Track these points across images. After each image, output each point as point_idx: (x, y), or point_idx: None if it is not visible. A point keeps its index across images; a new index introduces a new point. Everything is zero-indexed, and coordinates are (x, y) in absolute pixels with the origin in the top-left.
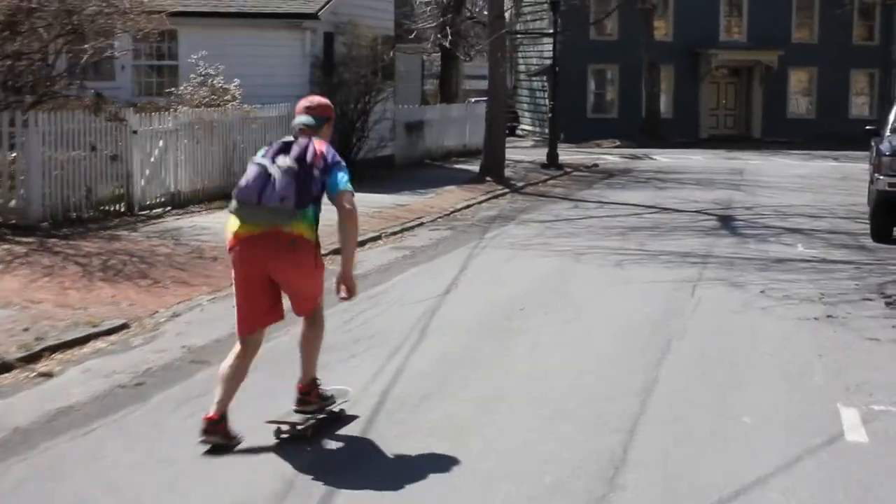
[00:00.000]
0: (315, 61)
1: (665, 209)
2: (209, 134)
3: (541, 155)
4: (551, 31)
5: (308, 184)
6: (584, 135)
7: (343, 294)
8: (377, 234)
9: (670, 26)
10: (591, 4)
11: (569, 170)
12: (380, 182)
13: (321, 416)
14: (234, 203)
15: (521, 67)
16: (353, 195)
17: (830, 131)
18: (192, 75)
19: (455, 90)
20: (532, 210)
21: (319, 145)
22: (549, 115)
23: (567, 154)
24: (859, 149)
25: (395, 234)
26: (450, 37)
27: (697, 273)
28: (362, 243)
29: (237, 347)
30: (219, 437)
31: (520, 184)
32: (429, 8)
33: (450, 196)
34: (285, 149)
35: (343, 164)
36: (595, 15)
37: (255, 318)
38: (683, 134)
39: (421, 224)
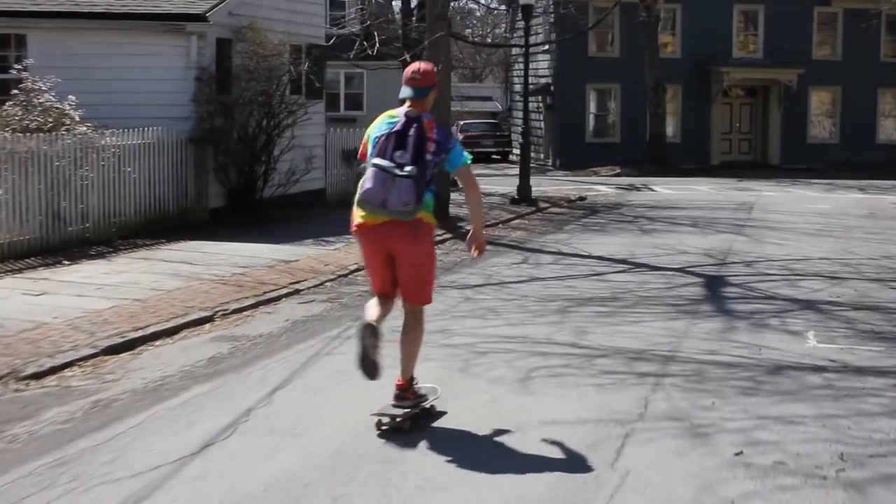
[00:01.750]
0: (202, 74)
1: (638, 266)
2: (22, 168)
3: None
4: (516, 44)
5: (426, 179)
6: (582, 161)
7: (474, 252)
8: (209, 313)
9: (678, 41)
10: (588, 17)
11: (545, 205)
12: (283, 225)
13: (416, 410)
14: (357, 199)
15: (517, 87)
16: (470, 167)
17: (855, 158)
18: (15, 91)
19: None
20: (464, 266)
21: (429, 126)
22: (521, 141)
23: (556, 183)
24: (888, 177)
25: (239, 311)
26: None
27: (642, 402)
28: (173, 331)
29: (372, 301)
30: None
31: (469, 226)
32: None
33: None
34: (400, 142)
35: (455, 138)
36: (594, 28)
37: (384, 285)
38: (692, 160)
39: (294, 293)
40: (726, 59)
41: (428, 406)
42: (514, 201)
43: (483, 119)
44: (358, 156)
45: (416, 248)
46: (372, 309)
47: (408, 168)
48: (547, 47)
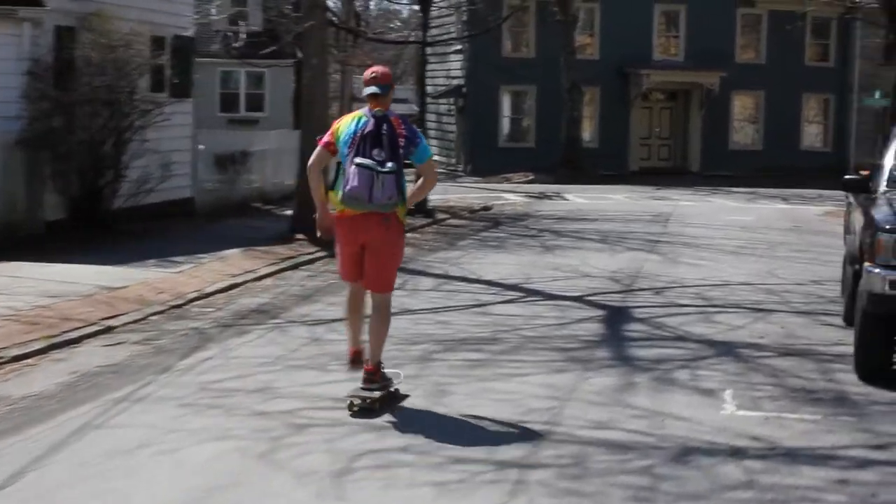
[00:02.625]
0: (35, 67)
1: (532, 293)
2: None
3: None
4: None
5: (402, 171)
6: (495, 166)
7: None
8: None
9: (597, 42)
10: (502, 14)
11: (443, 217)
12: (132, 241)
13: (384, 392)
14: (342, 196)
15: (429, 89)
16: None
17: (779, 164)
18: None
19: (342, 110)
20: (326, 292)
21: (396, 122)
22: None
23: (464, 191)
24: (812, 184)
25: (20, 358)
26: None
27: None
28: None
29: (348, 291)
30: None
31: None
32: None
33: (217, 267)
34: (376, 140)
35: (419, 131)
36: (508, 27)
37: (354, 273)
38: (610, 166)
39: (104, 331)
40: (646, 62)
41: (393, 390)
42: (408, 212)
43: None
44: (319, 142)
45: (387, 235)
46: (353, 320)
47: (389, 164)
48: (459, 46)
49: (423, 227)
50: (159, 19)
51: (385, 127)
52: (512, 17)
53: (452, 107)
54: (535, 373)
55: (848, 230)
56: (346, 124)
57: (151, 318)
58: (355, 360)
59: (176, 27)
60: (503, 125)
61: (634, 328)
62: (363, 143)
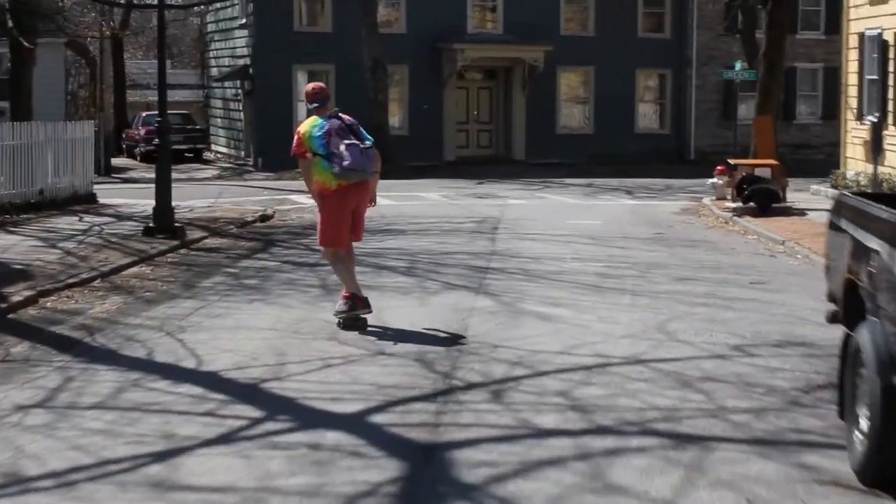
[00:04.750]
0: None
1: (274, 408)
2: None
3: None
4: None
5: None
6: (289, 160)
7: (373, 204)
8: None
9: (403, 14)
10: None
11: (199, 235)
12: None
13: (349, 313)
14: (339, 170)
15: (214, 71)
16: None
17: (612, 150)
18: None
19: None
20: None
21: (345, 117)
22: (159, 141)
23: (247, 192)
24: (649, 172)
25: None
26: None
27: None
28: None
29: (335, 258)
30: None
31: (22, 295)
32: None
33: None
34: (349, 129)
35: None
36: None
37: (345, 239)
38: (422, 156)
39: None
40: (461, 35)
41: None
42: (147, 231)
43: (172, 110)
44: (293, 153)
45: (367, 199)
46: (352, 276)
47: (367, 142)
48: (244, 20)
49: (161, 254)
50: None
51: (344, 120)
52: None
53: (239, 91)
54: None
55: (846, 269)
56: (308, 129)
57: None
58: (364, 303)
59: None
60: (298, 111)
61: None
62: (339, 134)
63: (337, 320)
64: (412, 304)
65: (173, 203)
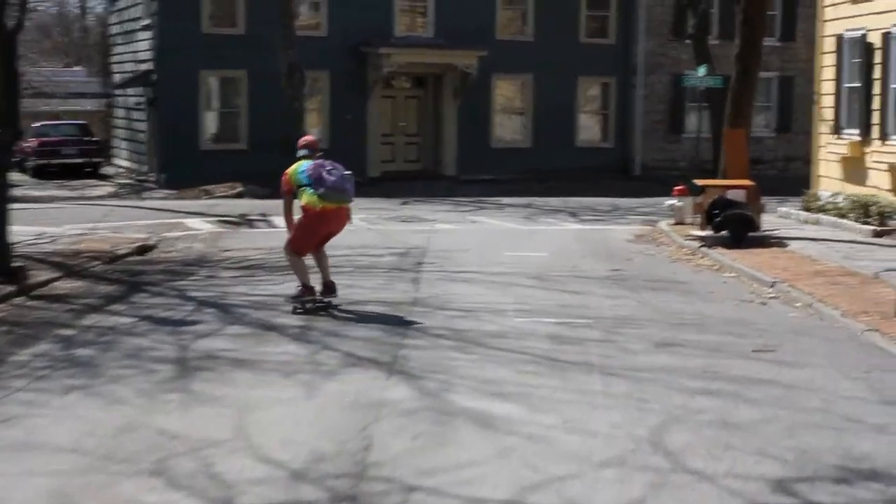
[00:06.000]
0: None
1: None
2: None
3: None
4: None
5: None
6: (197, 175)
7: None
8: None
9: (324, 15)
10: None
11: (50, 277)
12: None
13: (300, 298)
14: (323, 191)
15: (117, 77)
16: None
17: (551, 165)
18: None
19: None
20: None
21: (327, 161)
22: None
23: (138, 214)
24: (593, 189)
25: None
26: None
27: None
28: None
29: (296, 258)
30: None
31: None
32: None
33: None
34: (330, 164)
35: None
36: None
37: (308, 250)
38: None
39: None
40: (387, 39)
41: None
42: None
43: (68, 120)
44: (284, 191)
45: (344, 223)
46: (306, 271)
47: (347, 172)
48: (148, 22)
49: None
50: None
51: (325, 161)
52: None
53: (142, 99)
54: None
55: None
56: (295, 171)
57: None
58: (326, 290)
59: None
60: (206, 122)
61: None
62: (320, 167)
63: (292, 306)
64: (295, 398)
65: (39, 230)
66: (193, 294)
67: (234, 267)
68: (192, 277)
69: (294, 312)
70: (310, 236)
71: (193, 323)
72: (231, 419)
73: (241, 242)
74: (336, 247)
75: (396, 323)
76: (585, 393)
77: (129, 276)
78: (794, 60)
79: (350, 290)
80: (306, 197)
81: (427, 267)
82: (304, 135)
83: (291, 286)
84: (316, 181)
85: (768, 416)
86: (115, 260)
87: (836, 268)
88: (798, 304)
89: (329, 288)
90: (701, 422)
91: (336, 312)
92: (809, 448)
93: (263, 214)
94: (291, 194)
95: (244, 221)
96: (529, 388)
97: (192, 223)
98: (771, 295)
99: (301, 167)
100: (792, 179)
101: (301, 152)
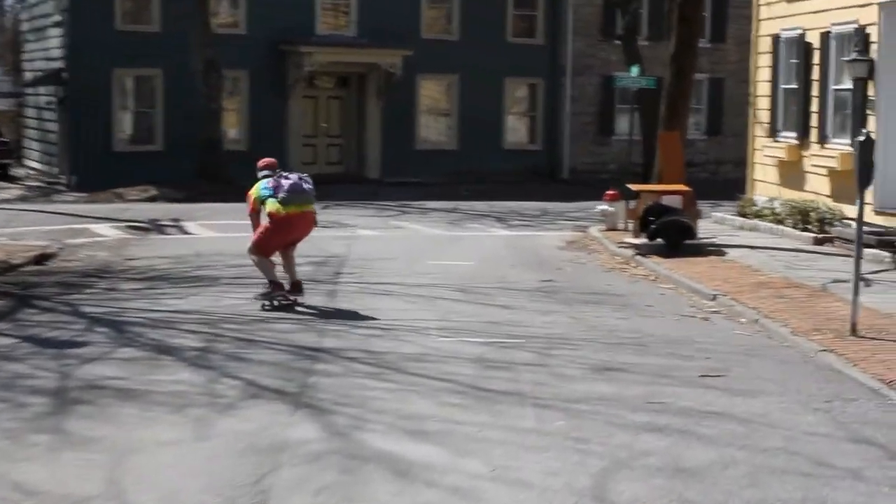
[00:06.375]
0: None
1: None
2: None
3: None
4: None
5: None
6: (110, 178)
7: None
8: None
9: (242, 12)
10: None
11: None
12: None
13: (268, 295)
14: (283, 195)
15: (28, 75)
16: None
17: (478, 168)
18: None
19: None
20: None
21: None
22: None
23: (43, 219)
24: (523, 195)
25: None
26: None
27: None
28: None
29: (261, 259)
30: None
31: None
32: None
33: None
34: (288, 174)
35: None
36: None
37: (271, 252)
38: None
39: None
40: (308, 38)
41: (273, 295)
42: None
43: None
44: (249, 211)
45: (310, 226)
46: (273, 271)
47: (303, 174)
48: (59, 18)
49: None
50: None
51: (285, 175)
52: None
53: (53, 98)
54: None
55: None
56: (258, 189)
57: None
58: (293, 289)
59: None
60: (120, 122)
61: None
62: (279, 179)
63: (261, 304)
64: (182, 440)
65: None
66: (87, 310)
67: (136, 278)
68: (90, 290)
69: (263, 309)
70: (274, 240)
71: (81, 345)
72: (104, 468)
73: (148, 250)
74: (238, 257)
75: (308, 344)
76: (517, 431)
77: (19, 288)
78: (724, 62)
79: (259, 306)
80: (270, 205)
81: (345, 278)
82: (221, 135)
83: (195, 301)
84: (275, 188)
85: (725, 459)
86: (8, 270)
87: (780, 279)
88: (743, 321)
89: (296, 287)
90: (650, 467)
91: (241, 333)
92: (777, 501)
93: (176, 220)
94: (256, 213)
95: (155, 227)
96: (453, 424)
97: (98, 229)
98: (713, 309)
99: (262, 184)
100: (722, 183)
101: (262, 173)
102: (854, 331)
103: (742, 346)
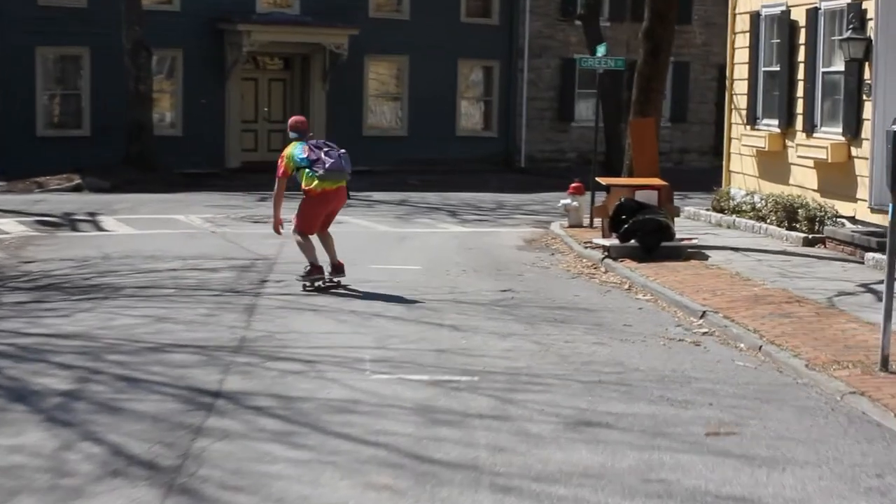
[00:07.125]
0: None
1: None
2: None
3: None
4: None
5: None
6: (33, 165)
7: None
8: None
9: None
10: None
11: None
12: None
13: (309, 277)
14: (322, 172)
15: None
16: None
17: (430, 155)
18: None
19: None
20: None
21: (318, 140)
22: None
23: None
24: (478, 186)
25: None
26: None
27: None
28: None
29: (307, 240)
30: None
31: None
32: None
33: None
34: (324, 144)
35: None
36: None
37: (315, 229)
38: (201, 162)
39: None
40: (248, 15)
41: (337, 280)
42: None
43: None
44: (279, 174)
45: (344, 201)
46: (315, 252)
47: (342, 151)
48: None
49: None
50: None
51: (319, 141)
52: None
53: None
54: None
55: None
56: (291, 152)
57: None
58: (335, 270)
59: None
60: (42, 104)
61: None
62: (318, 149)
63: (302, 284)
64: None
65: None
66: None
67: (25, 287)
68: None
69: (304, 290)
70: (314, 216)
71: None
72: None
73: (51, 251)
74: (164, 258)
75: (206, 386)
76: None
77: None
78: (688, 45)
79: (159, 327)
80: (306, 179)
81: (270, 287)
82: (150, 119)
83: (82, 320)
84: (315, 162)
85: None
86: None
87: (777, 291)
88: (742, 346)
89: (337, 268)
90: None
91: (125, 368)
92: None
93: (92, 214)
94: (287, 177)
95: (67, 222)
96: None
97: (1, 224)
98: (702, 329)
99: (297, 149)
100: (687, 173)
101: (292, 134)
102: (885, 365)
103: (749, 386)
